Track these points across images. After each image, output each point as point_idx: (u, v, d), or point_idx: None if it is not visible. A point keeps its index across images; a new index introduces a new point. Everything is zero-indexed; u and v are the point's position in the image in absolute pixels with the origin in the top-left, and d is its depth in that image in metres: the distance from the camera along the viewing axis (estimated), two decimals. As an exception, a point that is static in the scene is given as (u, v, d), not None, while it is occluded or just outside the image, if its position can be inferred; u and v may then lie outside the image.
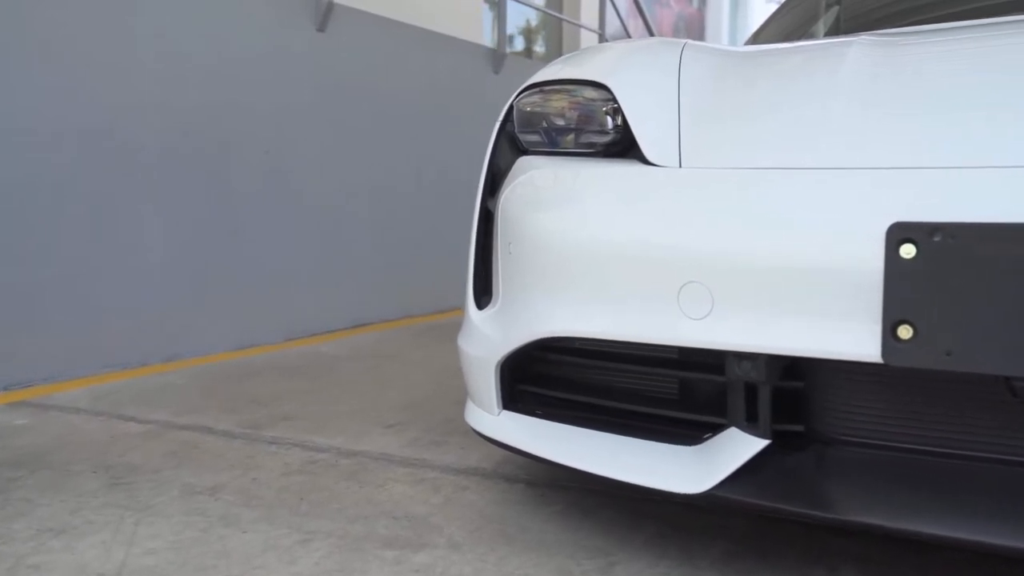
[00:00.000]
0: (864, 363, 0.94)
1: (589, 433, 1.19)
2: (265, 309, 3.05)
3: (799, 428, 1.06)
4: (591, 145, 1.26)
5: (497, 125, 1.41)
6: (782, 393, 1.06)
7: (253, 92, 2.97)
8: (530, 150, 1.35)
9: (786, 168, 1.03)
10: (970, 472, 0.96)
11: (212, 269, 2.85)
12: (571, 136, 1.29)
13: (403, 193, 3.73)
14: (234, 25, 2.89)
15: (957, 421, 0.98)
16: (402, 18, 3.71)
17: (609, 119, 1.24)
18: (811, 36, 2.16)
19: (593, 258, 1.12)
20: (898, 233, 0.89)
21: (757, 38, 2.28)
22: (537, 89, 1.34)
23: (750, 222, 1.00)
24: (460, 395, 2.16)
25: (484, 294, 1.39)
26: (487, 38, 5.61)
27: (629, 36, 6.18)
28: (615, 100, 1.24)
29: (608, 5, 5.85)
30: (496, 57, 4.35)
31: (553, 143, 1.31)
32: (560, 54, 6.48)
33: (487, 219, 1.40)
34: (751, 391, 1.06)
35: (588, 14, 6.85)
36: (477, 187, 1.43)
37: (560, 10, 6.85)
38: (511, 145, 1.39)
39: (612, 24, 6.07)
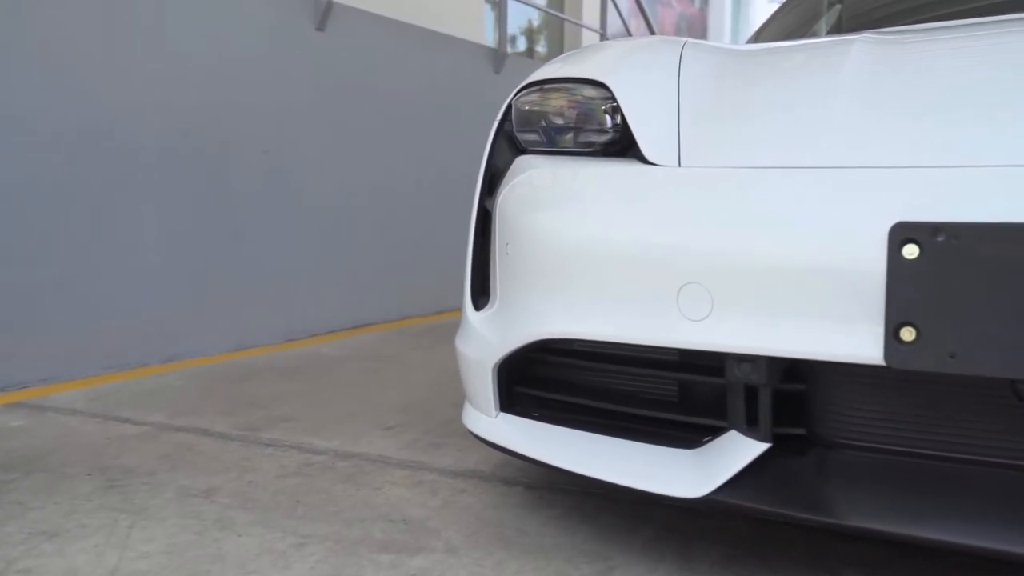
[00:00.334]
0: (866, 365, 0.93)
1: (587, 436, 1.18)
2: (265, 310, 3.04)
3: (800, 431, 1.05)
4: (590, 144, 1.25)
5: (495, 124, 1.40)
6: (783, 396, 1.04)
7: (253, 92, 2.96)
8: (528, 149, 1.33)
9: (787, 167, 1.02)
10: (973, 477, 0.95)
11: (212, 269, 2.84)
12: (570, 135, 1.27)
13: (403, 193, 3.72)
14: (234, 25, 2.88)
15: (961, 425, 0.97)
16: (403, 17, 3.70)
17: (608, 118, 1.23)
18: (813, 35, 2.14)
19: (592, 258, 1.11)
20: (901, 233, 0.88)
21: (758, 37, 2.27)
22: (536, 88, 1.32)
23: (750, 222, 0.99)
24: (459, 397, 2.15)
25: (482, 295, 1.38)
26: (488, 38, 5.60)
27: (631, 36, 6.16)
28: (614, 99, 1.22)
29: (610, 5, 5.83)
30: (497, 57, 4.33)
31: (552, 142, 1.30)
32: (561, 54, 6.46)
33: (485, 219, 1.39)
34: (751, 394, 1.04)
35: (590, 14, 6.84)
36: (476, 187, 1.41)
37: (562, 10, 6.84)
38: (509, 144, 1.38)
39: (614, 24, 6.06)
